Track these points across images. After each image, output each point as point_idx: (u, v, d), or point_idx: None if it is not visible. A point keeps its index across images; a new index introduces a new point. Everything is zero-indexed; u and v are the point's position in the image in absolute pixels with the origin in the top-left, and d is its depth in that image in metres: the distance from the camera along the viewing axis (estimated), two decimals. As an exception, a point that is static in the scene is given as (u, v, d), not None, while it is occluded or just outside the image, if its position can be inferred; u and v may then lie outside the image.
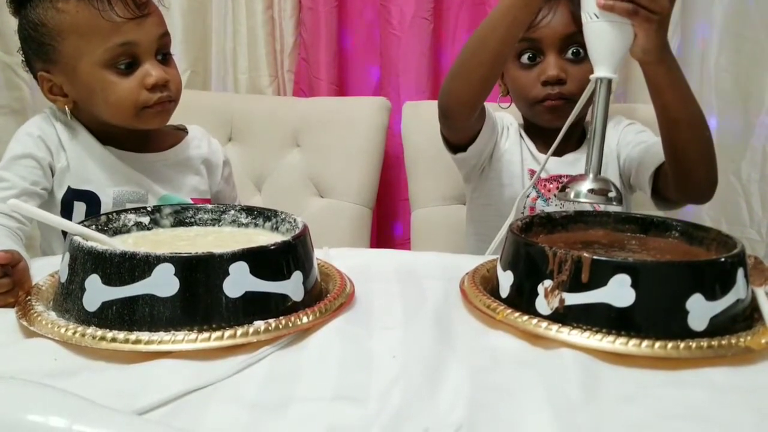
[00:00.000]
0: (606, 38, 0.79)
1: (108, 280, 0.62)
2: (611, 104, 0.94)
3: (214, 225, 0.81)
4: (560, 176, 1.15)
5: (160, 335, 0.60)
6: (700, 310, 0.62)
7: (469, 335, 0.67)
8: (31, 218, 0.90)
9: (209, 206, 0.82)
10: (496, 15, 0.92)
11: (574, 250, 0.65)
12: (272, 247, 0.66)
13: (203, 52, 1.67)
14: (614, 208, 0.88)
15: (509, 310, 0.67)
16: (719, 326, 0.63)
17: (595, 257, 0.63)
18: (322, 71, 1.62)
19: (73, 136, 1.01)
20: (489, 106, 1.10)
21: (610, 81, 0.79)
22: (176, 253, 0.62)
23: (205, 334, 0.61)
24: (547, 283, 0.65)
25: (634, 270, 0.62)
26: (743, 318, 0.66)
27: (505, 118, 1.21)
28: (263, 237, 0.76)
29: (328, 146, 1.50)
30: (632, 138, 1.17)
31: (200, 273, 0.62)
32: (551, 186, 1.16)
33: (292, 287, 0.67)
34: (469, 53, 0.97)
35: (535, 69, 1.11)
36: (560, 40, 1.09)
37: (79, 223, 0.71)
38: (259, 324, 0.63)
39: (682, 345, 0.60)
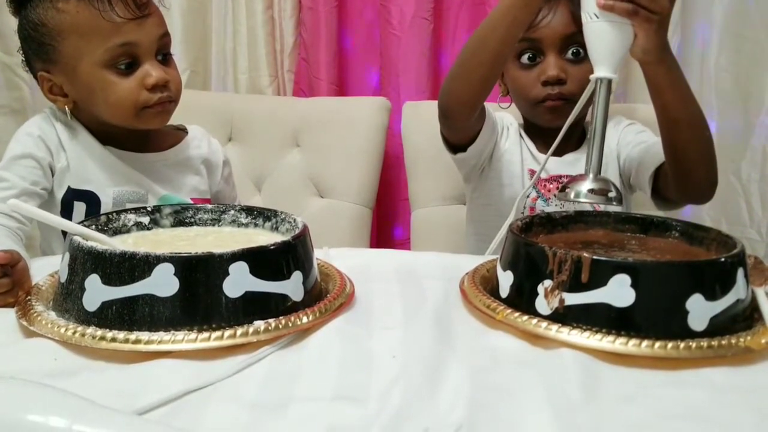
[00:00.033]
0: (606, 38, 0.79)
1: (108, 280, 0.62)
2: (611, 104, 0.94)
3: (214, 225, 0.81)
4: (560, 176, 1.15)
5: (160, 335, 0.60)
6: (700, 310, 0.62)
7: (469, 335, 0.67)
8: (31, 218, 0.90)
9: (209, 206, 0.82)
10: (496, 15, 0.92)
11: (574, 250, 0.65)
12: (272, 247, 0.66)
13: (203, 52, 1.67)
14: (614, 208, 0.88)
15: (509, 310, 0.67)
16: (719, 326, 0.63)
17: (595, 257, 0.63)
18: (322, 71, 1.62)
19: (73, 136, 1.01)
20: (489, 106, 1.10)
21: (610, 81, 0.79)
22: (176, 253, 0.62)
23: (205, 334, 0.61)
24: (547, 283, 0.65)
25: (634, 270, 0.62)
26: (743, 318, 0.66)
27: (505, 118, 1.21)
28: (263, 237, 0.76)
29: (328, 146, 1.50)
30: (632, 138, 1.17)
31: (200, 273, 0.62)
32: (551, 186, 1.16)
33: (292, 287, 0.67)
34: (469, 53, 0.97)
35: (535, 69, 1.11)
36: (560, 40, 1.09)
37: (79, 223, 0.71)
38: (259, 324, 0.63)
39: (682, 345, 0.60)
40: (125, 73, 0.96)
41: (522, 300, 0.68)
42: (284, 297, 0.66)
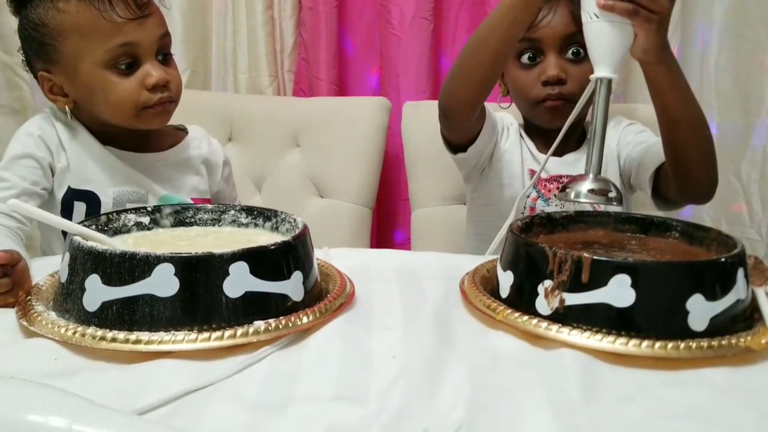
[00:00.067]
0: (606, 38, 0.79)
1: (108, 280, 0.62)
2: (611, 104, 0.94)
3: (214, 225, 0.81)
4: (560, 176, 1.15)
5: (160, 335, 0.60)
6: (700, 310, 0.62)
7: (469, 335, 0.67)
8: (31, 218, 0.90)
9: (209, 206, 0.82)
10: (496, 15, 0.92)
11: (574, 250, 0.65)
12: (272, 247, 0.66)
13: (203, 52, 1.67)
14: (614, 208, 0.88)
15: (509, 310, 0.67)
16: (719, 326, 0.63)
17: (595, 257, 0.63)
18: (322, 71, 1.62)
19: (74, 136, 1.01)
20: (489, 106, 1.10)
21: (610, 81, 0.79)
22: (176, 253, 0.62)
23: (205, 334, 0.61)
24: (547, 283, 0.65)
25: (634, 270, 0.62)
26: (743, 318, 0.66)
27: (505, 118, 1.21)
28: (263, 237, 0.76)
29: (328, 146, 1.50)
30: (632, 138, 1.17)
31: (200, 273, 0.62)
32: (551, 186, 1.16)
33: (292, 287, 0.67)
34: (469, 53, 0.97)
35: (536, 69, 1.11)
36: (560, 40, 1.09)
37: (79, 223, 0.71)
38: (259, 324, 0.63)
39: (682, 345, 0.60)
40: (126, 73, 0.96)
41: (522, 300, 0.68)
42: (284, 297, 0.66)
